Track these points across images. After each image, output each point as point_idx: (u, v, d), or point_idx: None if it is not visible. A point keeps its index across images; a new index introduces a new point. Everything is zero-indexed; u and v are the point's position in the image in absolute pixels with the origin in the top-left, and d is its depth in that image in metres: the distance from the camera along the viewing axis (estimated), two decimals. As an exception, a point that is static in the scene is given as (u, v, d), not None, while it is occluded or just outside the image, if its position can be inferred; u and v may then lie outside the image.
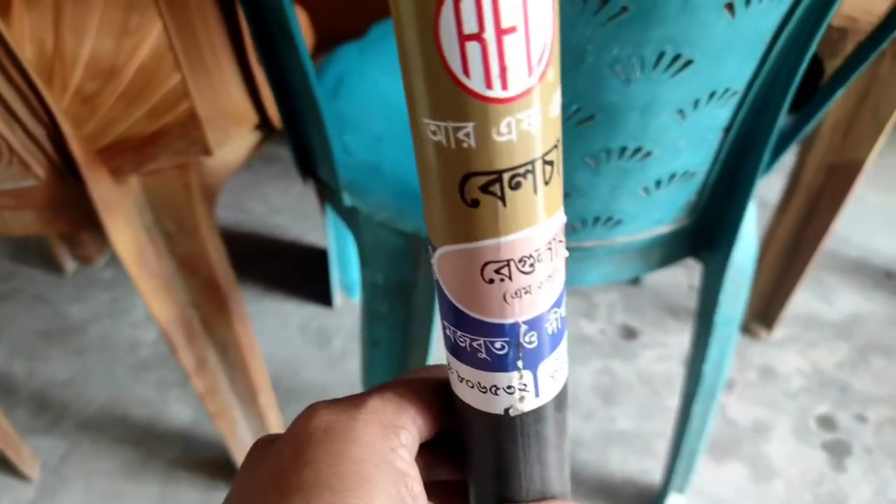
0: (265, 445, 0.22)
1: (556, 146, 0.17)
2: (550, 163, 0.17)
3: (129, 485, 0.94)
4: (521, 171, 0.16)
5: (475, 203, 0.17)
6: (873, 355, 1.12)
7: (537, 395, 0.21)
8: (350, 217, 0.62)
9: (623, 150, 0.44)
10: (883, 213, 1.43)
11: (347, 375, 1.08)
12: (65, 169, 0.60)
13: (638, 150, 0.44)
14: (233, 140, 0.69)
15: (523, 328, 0.19)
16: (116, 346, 1.14)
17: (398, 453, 0.21)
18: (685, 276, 1.27)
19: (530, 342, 0.20)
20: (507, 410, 0.22)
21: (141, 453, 0.98)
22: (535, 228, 0.18)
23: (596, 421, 1.02)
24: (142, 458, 0.98)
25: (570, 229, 0.52)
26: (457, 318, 0.20)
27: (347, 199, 0.59)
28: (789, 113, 0.49)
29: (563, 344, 0.21)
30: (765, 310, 1.12)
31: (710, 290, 0.62)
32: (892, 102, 0.81)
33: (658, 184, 0.48)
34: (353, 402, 0.21)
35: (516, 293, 0.19)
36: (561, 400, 0.22)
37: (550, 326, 0.20)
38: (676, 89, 0.40)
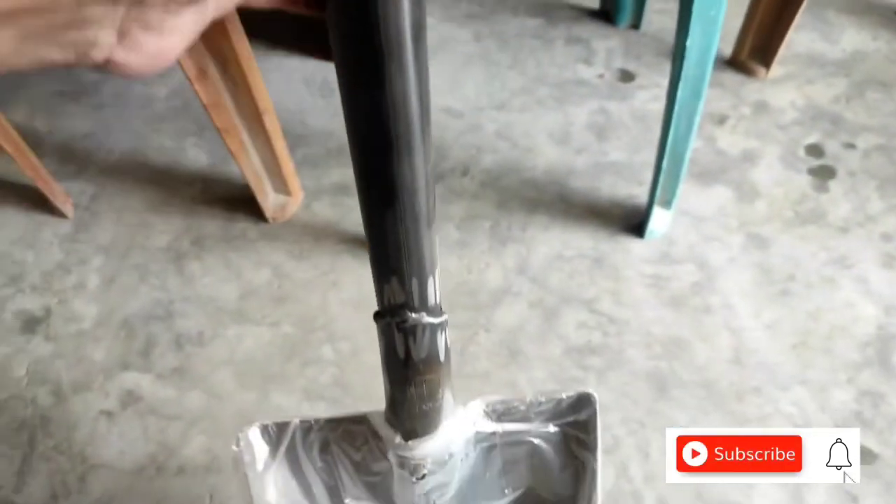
0: None
1: None
2: None
3: (155, 217, 1.03)
4: None
5: None
6: (870, 90, 1.12)
7: None
8: None
9: None
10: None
11: (351, 121, 1.13)
12: None
13: None
14: None
15: None
16: (131, 102, 1.19)
17: None
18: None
19: None
20: None
21: (164, 192, 1.06)
22: None
23: (588, 154, 1.06)
24: (165, 196, 1.05)
25: None
26: None
27: None
28: None
29: None
30: (763, 46, 1.12)
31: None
32: None
33: None
34: None
35: None
36: None
37: None
38: None
